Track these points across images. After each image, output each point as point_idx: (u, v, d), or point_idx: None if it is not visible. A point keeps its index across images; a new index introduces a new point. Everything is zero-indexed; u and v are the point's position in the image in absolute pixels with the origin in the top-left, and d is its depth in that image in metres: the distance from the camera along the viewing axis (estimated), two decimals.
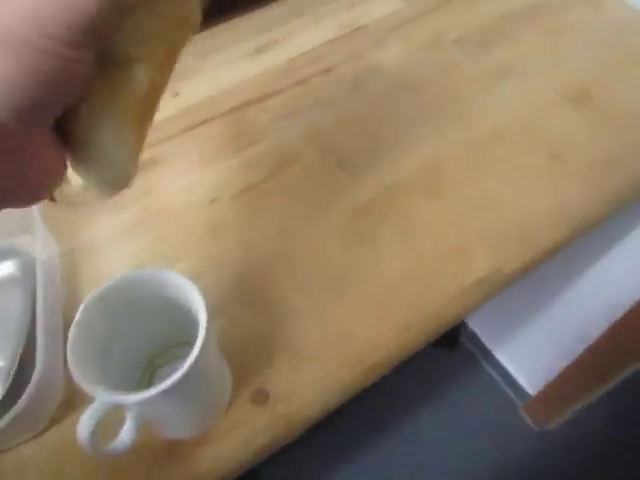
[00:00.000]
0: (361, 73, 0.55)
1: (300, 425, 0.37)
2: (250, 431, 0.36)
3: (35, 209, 0.42)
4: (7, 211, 0.39)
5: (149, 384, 0.37)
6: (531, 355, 1.19)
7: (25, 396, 0.33)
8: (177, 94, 0.55)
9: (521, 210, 0.44)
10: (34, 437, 0.36)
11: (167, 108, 0.54)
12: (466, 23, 0.58)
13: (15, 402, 0.33)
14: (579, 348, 0.99)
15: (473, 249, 0.42)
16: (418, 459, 1.17)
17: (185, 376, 0.29)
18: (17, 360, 0.38)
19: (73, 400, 0.38)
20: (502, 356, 1.27)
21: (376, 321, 0.39)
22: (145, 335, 0.35)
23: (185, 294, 0.31)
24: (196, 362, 0.29)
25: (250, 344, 0.39)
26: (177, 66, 0.58)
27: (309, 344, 0.39)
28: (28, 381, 0.34)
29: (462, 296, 0.40)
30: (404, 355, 0.39)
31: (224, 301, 0.41)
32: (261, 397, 0.37)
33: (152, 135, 0.52)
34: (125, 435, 0.32)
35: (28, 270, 0.43)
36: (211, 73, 0.56)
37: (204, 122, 0.53)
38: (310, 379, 0.38)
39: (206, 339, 0.30)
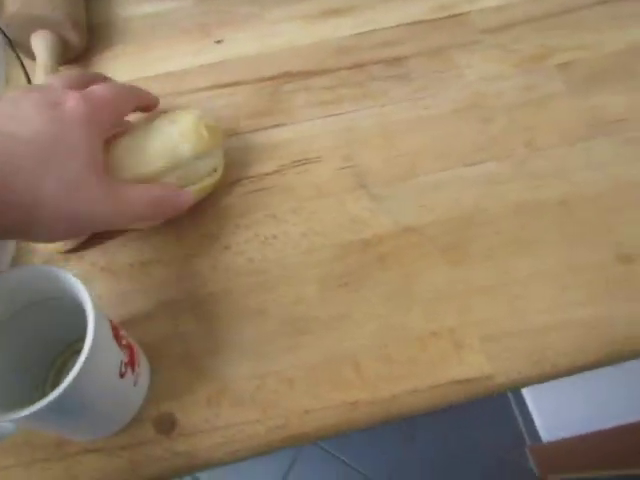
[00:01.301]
0: (431, 75, 0.45)
1: (197, 467, 0.33)
2: (141, 457, 0.32)
3: None
4: None
5: (61, 371, 0.34)
6: (559, 404, 1.11)
7: None
8: (220, 41, 0.48)
9: (551, 313, 0.35)
10: None
11: (204, 55, 0.48)
12: (584, 45, 0.46)
13: None
14: (609, 423, 0.90)
15: (469, 341, 0.34)
16: (404, 461, 1.15)
17: (63, 396, 0.25)
18: None
19: None
20: (528, 391, 1.19)
21: (322, 388, 0.33)
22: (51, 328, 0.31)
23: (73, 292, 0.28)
24: (78, 380, 0.26)
25: (180, 359, 0.35)
26: (230, 10, 0.51)
27: (241, 387, 0.34)
28: None
29: (429, 392, 0.33)
30: (339, 432, 0.33)
31: (172, 298, 0.37)
32: (167, 424, 0.33)
33: (175, 81, 0.47)
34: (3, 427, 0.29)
35: None
36: (264, 28, 0.49)
37: (236, 83, 0.46)
38: (226, 424, 0.33)
39: (93, 351, 0.26)
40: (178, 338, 0.36)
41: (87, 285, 0.27)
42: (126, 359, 0.30)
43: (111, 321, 0.30)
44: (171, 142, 0.36)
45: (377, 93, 0.45)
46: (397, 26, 0.48)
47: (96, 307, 0.27)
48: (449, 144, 0.42)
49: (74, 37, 0.45)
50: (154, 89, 0.45)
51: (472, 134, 0.42)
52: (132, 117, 0.38)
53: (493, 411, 1.21)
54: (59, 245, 0.38)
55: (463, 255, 0.37)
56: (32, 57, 0.44)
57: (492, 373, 0.34)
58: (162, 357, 0.35)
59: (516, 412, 1.20)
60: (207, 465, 0.33)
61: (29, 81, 0.42)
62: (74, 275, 0.28)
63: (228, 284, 0.37)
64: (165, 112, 0.39)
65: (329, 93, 0.45)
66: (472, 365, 0.34)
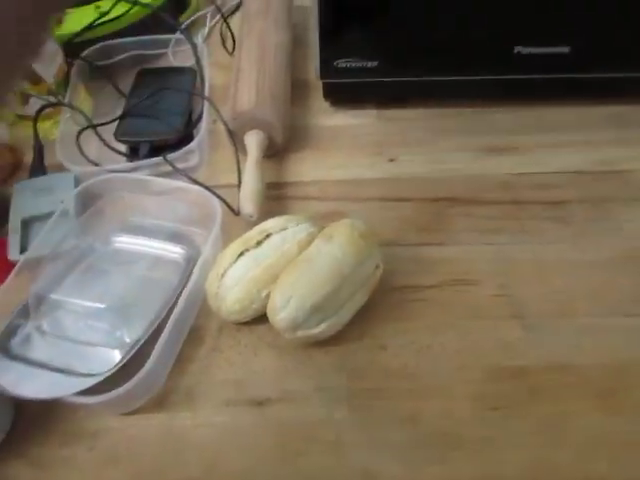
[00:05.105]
0: (590, 223, 0.48)
1: None
2: None
3: (218, 213, 0.45)
4: (195, 203, 0.43)
5: None
6: None
7: (127, 384, 0.36)
8: (393, 160, 0.55)
9: None
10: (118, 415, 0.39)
11: (377, 169, 0.54)
12: None
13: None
14: None
15: None
16: None
17: None
18: (143, 339, 0.40)
19: (165, 399, 0.40)
20: None
21: None
22: None
23: None
24: None
25: (331, 445, 0.37)
26: (406, 133, 0.57)
27: None
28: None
29: None
30: None
31: (329, 385, 0.40)
32: None
33: (350, 188, 0.52)
34: None
35: (190, 262, 0.46)
36: (435, 154, 0.55)
37: (404, 199, 0.51)
38: None
39: None
40: (331, 424, 0.38)
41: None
42: None
43: None
44: (336, 261, 0.40)
45: (534, 231, 0.48)
46: (557, 172, 0.52)
47: None
48: (606, 292, 0.44)
49: (279, 138, 0.53)
50: (331, 192, 0.52)
51: (630, 286, 0.44)
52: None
53: None
54: (236, 316, 0.42)
55: (619, 404, 0.38)
56: (240, 148, 0.52)
57: None
58: (313, 441, 0.37)
59: None
60: None
61: (239, 167, 0.49)
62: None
63: (382, 383, 0.40)
64: (320, 227, 0.44)
65: (489, 222, 0.49)
66: None
